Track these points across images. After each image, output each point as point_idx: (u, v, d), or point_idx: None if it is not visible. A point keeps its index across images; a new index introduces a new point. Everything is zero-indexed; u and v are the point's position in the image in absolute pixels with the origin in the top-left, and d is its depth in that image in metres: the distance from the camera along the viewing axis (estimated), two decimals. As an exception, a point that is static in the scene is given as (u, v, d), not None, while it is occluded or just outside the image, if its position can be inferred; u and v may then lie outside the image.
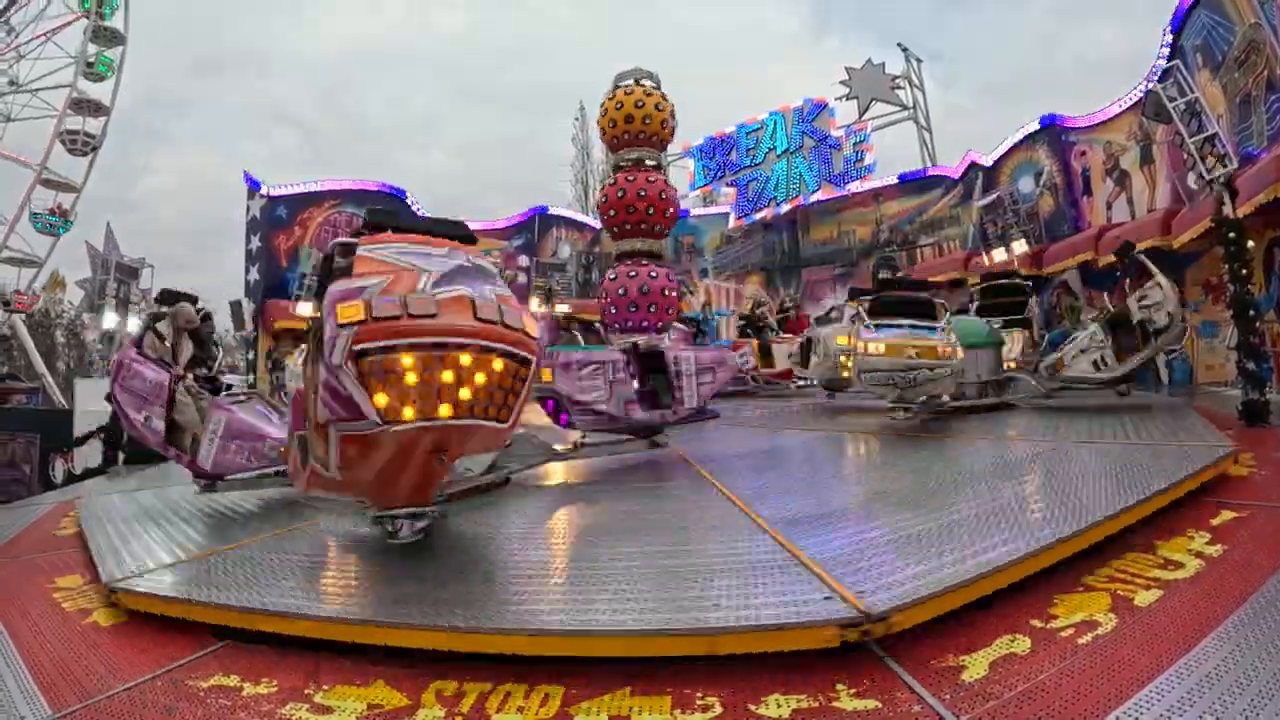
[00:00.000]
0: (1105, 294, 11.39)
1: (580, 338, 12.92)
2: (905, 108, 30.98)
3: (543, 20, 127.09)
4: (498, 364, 4.83)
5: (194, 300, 10.03)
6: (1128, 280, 11.85)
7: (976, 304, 14.90)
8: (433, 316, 4.67)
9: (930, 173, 29.62)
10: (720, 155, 33.01)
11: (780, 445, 11.05)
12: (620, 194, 15.71)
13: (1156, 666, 3.30)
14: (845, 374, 14.99)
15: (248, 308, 26.33)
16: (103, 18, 39.78)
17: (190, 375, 9.47)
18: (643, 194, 15.58)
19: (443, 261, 5.02)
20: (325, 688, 3.96)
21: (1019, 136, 24.88)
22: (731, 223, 33.01)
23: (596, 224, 30.11)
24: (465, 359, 4.72)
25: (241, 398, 9.60)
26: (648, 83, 16.29)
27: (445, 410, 4.71)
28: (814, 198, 31.14)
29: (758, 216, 32.25)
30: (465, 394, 4.74)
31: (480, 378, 4.79)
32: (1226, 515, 5.33)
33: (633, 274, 15.41)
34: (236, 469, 8.72)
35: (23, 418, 22.72)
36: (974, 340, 12.77)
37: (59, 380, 41.21)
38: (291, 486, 7.25)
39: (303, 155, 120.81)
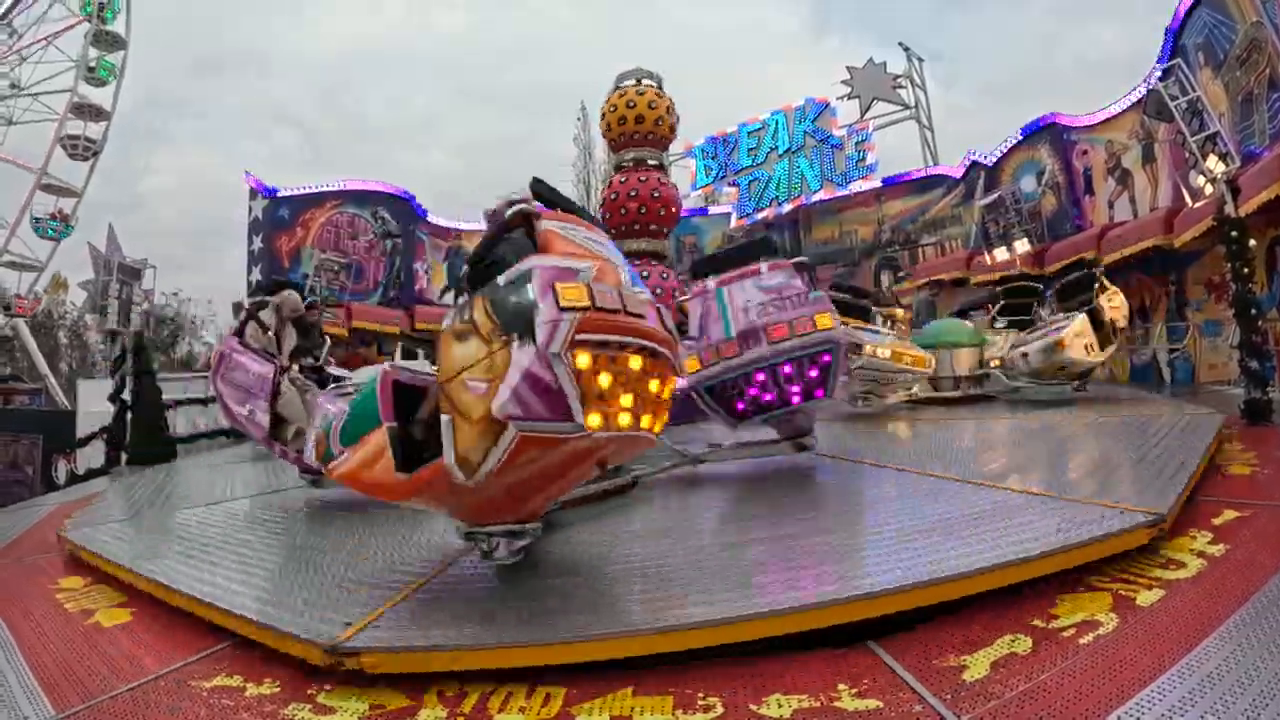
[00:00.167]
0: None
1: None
2: (907, 107, 30.95)
3: (543, 20, 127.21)
4: (667, 370, 4.49)
5: (300, 289, 9.88)
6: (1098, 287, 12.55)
7: (1000, 304, 15.08)
8: (640, 318, 4.25)
9: (932, 172, 29.59)
10: (722, 155, 32.99)
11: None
12: (623, 194, 15.73)
13: (1158, 666, 3.29)
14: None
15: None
16: (104, 21, 39.81)
17: (295, 366, 9.26)
18: (644, 194, 15.60)
19: (619, 256, 4.60)
20: (327, 688, 3.97)
21: (1020, 135, 24.84)
22: (733, 223, 32.95)
23: (598, 224, 30.09)
24: (656, 365, 4.33)
25: (350, 390, 9.32)
26: (649, 83, 16.29)
27: (646, 420, 4.32)
28: (816, 197, 31.08)
29: (759, 216, 32.18)
30: (648, 400, 4.34)
31: (667, 389, 4.52)
32: (1229, 514, 5.32)
33: (643, 274, 15.44)
34: None
35: (25, 419, 22.80)
36: (958, 340, 13.89)
37: (61, 381, 41.19)
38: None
39: (302, 155, 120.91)
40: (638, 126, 15.75)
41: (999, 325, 14.38)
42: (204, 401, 20.70)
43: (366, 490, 4.96)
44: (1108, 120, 21.85)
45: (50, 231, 39.11)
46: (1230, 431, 8.15)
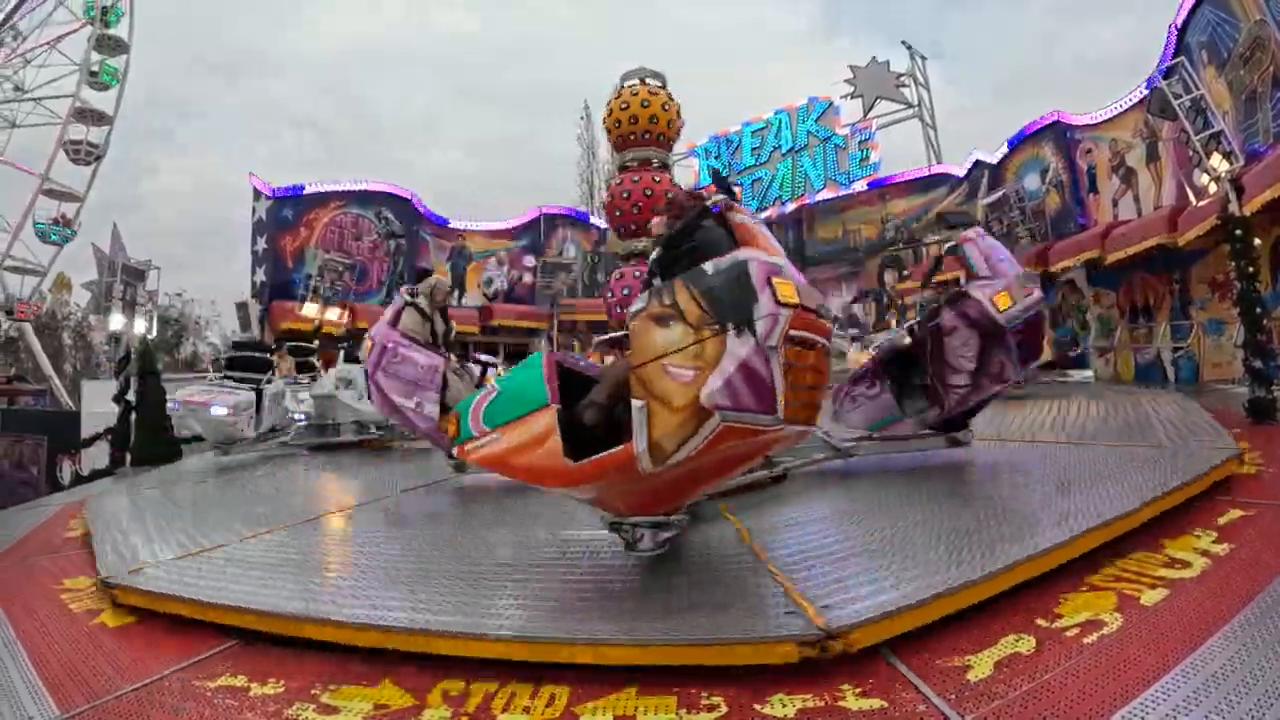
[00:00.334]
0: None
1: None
2: (910, 105, 30.91)
3: (542, 19, 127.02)
4: (828, 366, 4.49)
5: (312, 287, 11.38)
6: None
7: None
8: (824, 318, 4.41)
9: (935, 171, 29.56)
10: (725, 154, 32.97)
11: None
12: (627, 194, 15.76)
13: (1162, 666, 3.29)
14: None
15: (254, 309, 26.37)
16: (107, 25, 39.76)
17: (452, 355, 9.22)
18: (649, 193, 15.62)
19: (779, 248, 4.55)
20: (332, 688, 3.97)
21: (1024, 134, 24.83)
22: (736, 222, 32.95)
23: (603, 224, 30.08)
24: (824, 366, 4.43)
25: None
26: (653, 82, 16.32)
27: (813, 414, 4.43)
28: (819, 196, 31.08)
29: (763, 215, 32.16)
30: (818, 400, 4.47)
31: (823, 380, 4.45)
32: (1233, 514, 5.31)
33: (638, 274, 15.44)
34: None
35: (30, 420, 22.77)
36: None
37: (66, 382, 41.26)
38: None
39: (303, 155, 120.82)
40: (643, 126, 15.78)
41: None
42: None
43: (517, 474, 4.81)
44: (1112, 119, 21.82)
45: (53, 236, 39.12)
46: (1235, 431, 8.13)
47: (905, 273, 29.15)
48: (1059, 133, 23.55)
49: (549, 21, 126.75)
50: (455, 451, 5.07)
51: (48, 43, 40.05)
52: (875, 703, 3.31)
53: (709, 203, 4.53)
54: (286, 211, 27.76)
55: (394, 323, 8.91)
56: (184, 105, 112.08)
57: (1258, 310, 9.75)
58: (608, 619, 4.17)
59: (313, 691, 3.96)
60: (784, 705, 3.36)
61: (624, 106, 15.86)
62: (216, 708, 3.90)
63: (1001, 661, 3.53)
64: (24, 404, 26.99)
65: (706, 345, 3.95)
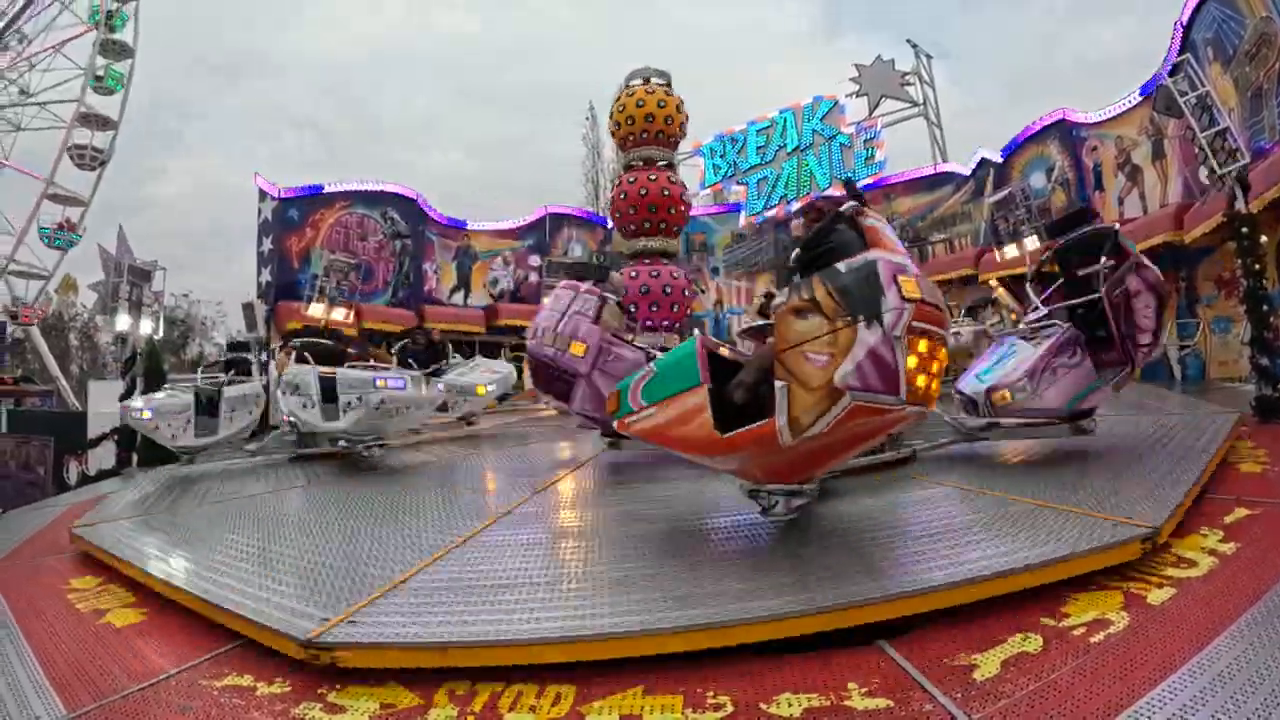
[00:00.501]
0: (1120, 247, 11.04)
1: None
2: (915, 104, 30.81)
3: (544, 21, 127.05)
4: (944, 353, 4.96)
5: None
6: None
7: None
8: (942, 311, 4.89)
9: (941, 169, 29.47)
10: (730, 153, 32.90)
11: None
12: (633, 193, 15.76)
13: (1169, 665, 3.29)
14: None
15: (260, 309, 26.38)
16: (112, 30, 39.79)
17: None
18: (654, 193, 15.62)
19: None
20: (338, 687, 3.98)
21: (1030, 132, 24.81)
22: (742, 221, 32.88)
23: (608, 222, 30.05)
24: (943, 353, 4.92)
25: None
26: (658, 81, 16.32)
27: (931, 397, 4.89)
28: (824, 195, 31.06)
29: (768, 214, 32.11)
30: (936, 385, 4.89)
31: (943, 364, 4.96)
32: (1240, 512, 5.30)
33: (655, 273, 15.47)
34: None
35: (37, 420, 22.86)
36: None
37: (72, 383, 41.38)
38: None
39: (303, 157, 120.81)
40: (647, 125, 15.78)
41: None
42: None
43: (671, 444, 5.59)
44: (1117, 116, 21.78)
45: (58, 241, 39.20)
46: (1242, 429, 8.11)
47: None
48: (1065, 131, 23.52)
49: (549, 23, 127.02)
50: (615, 425, 5.91)
51: (52, 47, 40.12)
52: (881, 702, 3.31)
53: (845, 208, 5.00)
54: (292, 212, 27.74)
55: (596, 319, 8.96)
56: (185, 106, 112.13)
57: (1264, 307, 9.72)
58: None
59: (319, 691, 3.97)
60: (790, 704, 3.36)
61: (630, 106, 15.86)
62: (223, 706, 3.91)
63: (1008, 661, 3.53)
64: (31, 405, 27.10)
65: (840, 334, 4.57)
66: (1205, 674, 3.19)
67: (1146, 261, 7.73)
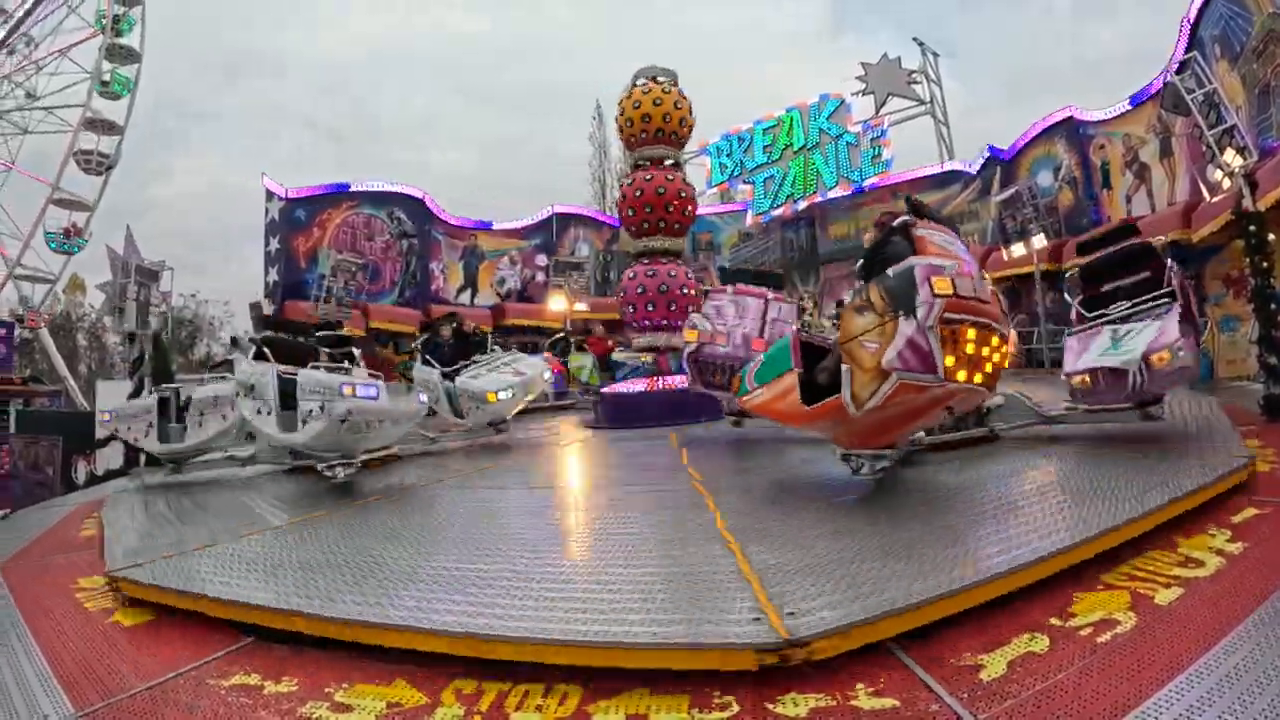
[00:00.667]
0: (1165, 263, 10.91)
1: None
2: (922, 102, 30.75)
3: (544, 21, 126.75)
4: (996, 341, 5.91)
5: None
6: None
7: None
8: (987, 303, 5.89)
9: (948, 167, 29.41)
10: (737, 152, 32.86)
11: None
12: (639, 192, 15.74)
13: (1176, 665, 3.28)
14: None
15: (267, 309, 26.44)
16: (119, 34, 39.82)
17: None
18: (661, 192, 15.61)
19: (965, 253, 6.16)
20: (345, 686, 3.99)
21: (1037, 130, 24.77)
22: (749, 220, 32.85)
23: (615, 222, 30.02)
24: (995, 340, 5.88)
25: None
26: (665, 81, 16.30)
27: (978, 378, 5.79)
28: (831, 194, 30.93)
29: (775, 213, 32.08)
30: (989, 367, 5.86)
31: (996, 355, 5.91)
32: (1248, 512, 5.28)
33: (650, 273, 15.45)
34: None
35: (45, 420, 22.91)
36: None
37: (80, 383, 41.50)
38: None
39: (302, 156, 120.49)
40: (653, 124, 15.77)
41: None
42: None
43: (775, 416, 7.50)
44: (1124, 114, 21.72)
45: (64, 246, 39.26)
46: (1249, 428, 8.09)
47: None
48: (1072, 129, 23.46)
49: (548, 22, 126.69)
50: (738, 402, 8.39)
51: (59, 51, 40.18)
52: (888, 702, 3.31)
53: (898, 222, 6.25)
54: (299, 212, 27.82)
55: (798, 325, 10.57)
56: (185, 106, 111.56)
57: (1273, 306, 9.67)
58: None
59: (326, 690, 3.98)
60: (796, 704, 3.36)
61: (636, 105, 15.84)
62: (230, 705, 3.92)
63: (1015, 661, 3.53)
64: (39, 405, 27.15)
65: (887, 327, 5.75)
66: (1213, 674, 3.18)
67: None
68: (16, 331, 36.76)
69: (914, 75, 30.62)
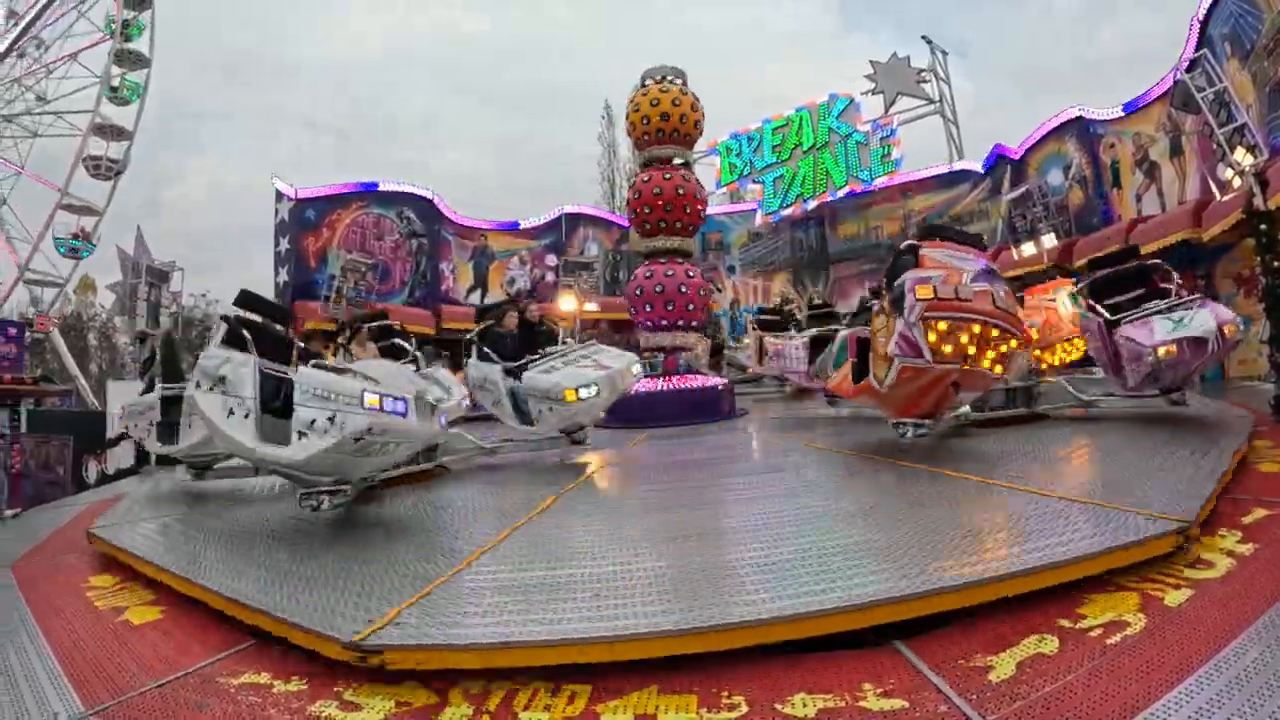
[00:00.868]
0: (1171, 274, 10.93)
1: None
2: (931, 101, 30.69)
3: (544, 21, 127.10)
4: (996, 334, 6.97)
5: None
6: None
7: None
8: (969, 301, 6.93)
9: (958, 167, 29.37)
10: (746, 151, 32.82)
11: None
12: (648, 192, 15.74)
13: (1186, 667, 3.27)
14: None
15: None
16: (128, 39, 39.92)
17: None
18: (670, 191, 15.60)
19: (974, 265, 7.35)
20: (354, 685, 3.99)
21: (1046, 129, 24.71)
22: (759, 219, 32.83)
23: (624, 222, 30.02)
24: (994, 333, 6.95)
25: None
26: (675, 80, 16.29)
27: (984, 362, 7.03)
28: (841, 193, 30.89)
29: (785, 213, 32.06)
30: (990, 353, 7.02)
31: (991, 342, 6.99)
32: (1258, 513, 5.25)
33: (661, 273, 15.45)
34: None
35: (56, 420, 23.00)
36: None
37: (91, 382, 41.65)
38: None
39: (302, 156, 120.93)
40: (663, 124, 15.74)
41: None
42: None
43: (840, 394, 9.95)
44: (1134, 112, 21.66)
45: (72, 251, 39.41)
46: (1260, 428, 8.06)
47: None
48: (1082, 127, 23.40)
49: (548, 23, 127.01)
50: (824, 383, 10.97)
51: (69, 55, 40.32)
52: (896, 703, 3.31)
53: (905, 245, 7.88)
54: (309, 212, 27.89)
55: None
56: (187, 107, 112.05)
57: (1284, 306, 9.64)
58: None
59: (335, 688, 3.99)
60: (805, 705, 3.36)
61: (645, 105, 15.84)
62: (240, 704, 3.93)
63: (1024, 662, 3.52)
64: (50, 404, 27.21)
65: (889, 324, 7.33)
66: (1222, 676, 3.17)
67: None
68: (27, 333, 36.97)
69: (923, 74, 30.55)
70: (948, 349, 6.87)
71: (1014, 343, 7.17)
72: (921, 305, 6.90)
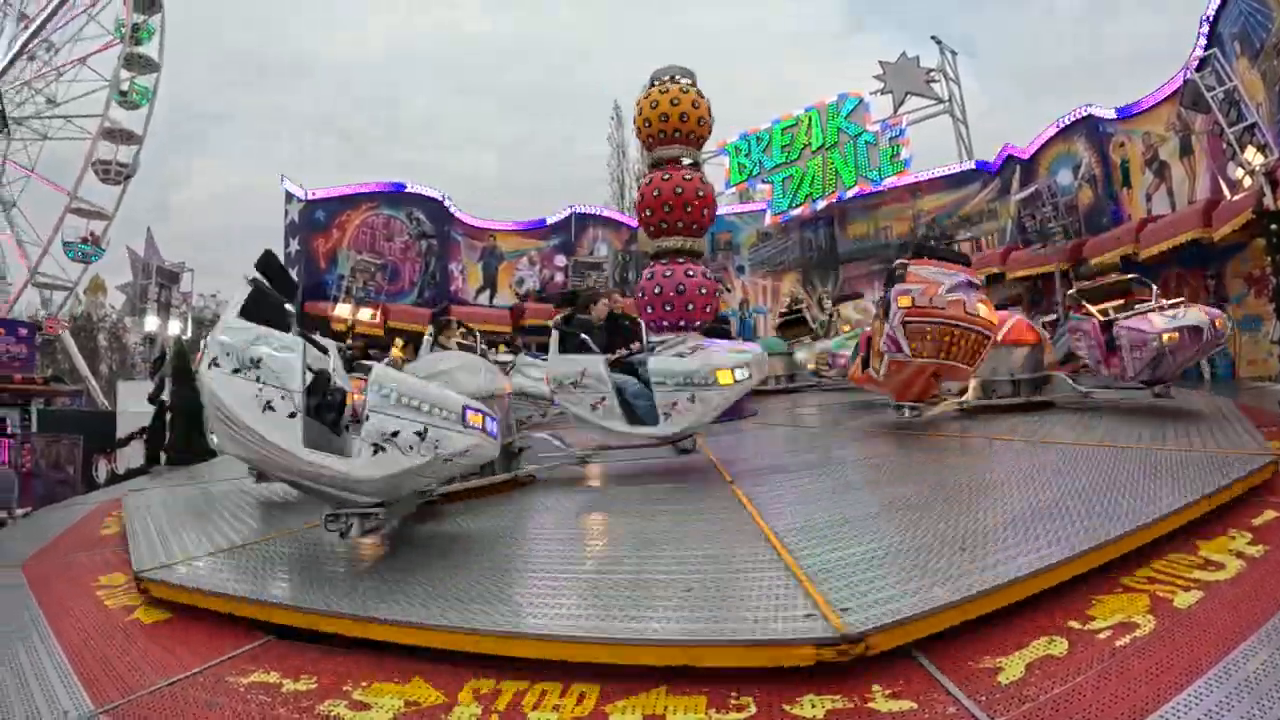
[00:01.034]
0: (1150, 287, 11.10)
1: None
2: (941, 101, 30.64)
3: (545, 21, 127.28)
4: (968, 335, 8.56)
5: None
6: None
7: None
8: (942, 309, 8.49)
9: (967, 167, 29.31)
10: (755, 152, 32.82)
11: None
12: (657, 192, 15.73)
13: (1196, 669, 3.25)
14: None
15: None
16: (138, 43, 40.05)
17: None
18: (680, 192, 15.59)
19: (953, 278, 8.68)
20: (364, 685, 4.00)
21: (1056, 129, 24.67)
22: (768, 220, 32.82)
23: (633, 222, 30.04)
24: (955, 332, 8.50)
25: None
26: (684, 80, 16.28)
27: (949, 359, 8.70)
28: (850, 194, 30.86)
29: (794, 213, 32.04)
30: (955, 350, 8.59)
31: (960, 342, 8.56)
32: (1269, 514, 5.23)
33: (669, 273, 15.45)
34: None
35: (67, 420, 23.13)
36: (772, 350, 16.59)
37: (102, 382, 41.87)
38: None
39: (304, 156, 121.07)
40: (672, 124, 15.75)
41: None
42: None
43: (855, 381, 11.80)
44: (1144, 112, 21.60)
45: (81, 255, 39.57)
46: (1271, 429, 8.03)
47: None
48: (1091, 127, 23.35)
49: (549, 23, 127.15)
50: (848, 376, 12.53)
51: (79, 59, 40.46)
52: (905, 704, 3.30)
53: (896, 264, 9.16)
54: (319, 213, 28.00)
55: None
56: (191, 109, 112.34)
57: (1295, 306, 9.62)
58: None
59: (344, 688, 4.00)
60: (814, 706, 3.35)
61: (654, 105, 15.82)
62: (249, 703, 3.94)
63: (1033, 664, 3.51)
64: (61, 404, 27.37)
65: (881, 326, 9.09)
66: (1232, 678, 3.16)
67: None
68: (37, 335, 37.21)
69: (932, 74, 30.50)
70: (924, 346, 8.67)
71: (984, 341, 8.78)
72: (902, 312, 8.66)
